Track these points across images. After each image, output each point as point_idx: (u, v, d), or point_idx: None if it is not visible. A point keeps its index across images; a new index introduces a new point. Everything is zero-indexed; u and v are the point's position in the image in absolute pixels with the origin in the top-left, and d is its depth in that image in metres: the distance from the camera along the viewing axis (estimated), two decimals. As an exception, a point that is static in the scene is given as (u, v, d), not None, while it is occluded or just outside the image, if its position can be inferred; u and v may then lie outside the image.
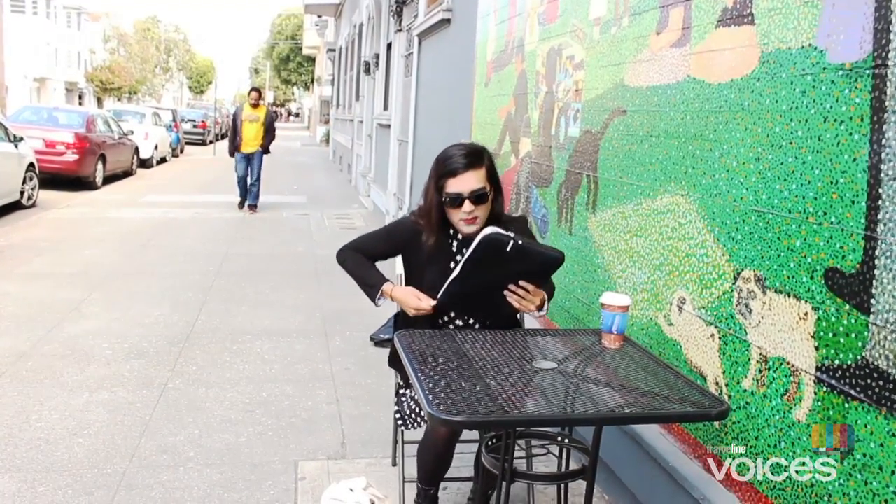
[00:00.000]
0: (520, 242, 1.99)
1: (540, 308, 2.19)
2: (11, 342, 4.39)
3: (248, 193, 10.50)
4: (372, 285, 2.34)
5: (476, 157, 2.19)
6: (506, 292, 2.13)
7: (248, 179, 10.45)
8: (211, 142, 26.66)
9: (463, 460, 2.76)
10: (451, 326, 2.33)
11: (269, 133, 10.52)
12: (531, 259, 2.07)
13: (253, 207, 10.45)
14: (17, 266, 6.42)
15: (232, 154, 10.57)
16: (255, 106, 10.49)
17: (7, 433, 3.22)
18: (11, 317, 4.91)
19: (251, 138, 10.40)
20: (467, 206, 2.17)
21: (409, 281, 2.37)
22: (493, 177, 2.23)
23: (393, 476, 2.77)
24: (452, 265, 2.25)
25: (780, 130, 1.96)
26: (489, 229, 2.01)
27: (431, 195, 2.22)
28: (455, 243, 2.31)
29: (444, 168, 2.19)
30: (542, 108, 3.85)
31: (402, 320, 2.41)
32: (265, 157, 10.69)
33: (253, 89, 10.92)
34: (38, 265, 6.53)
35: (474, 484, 2.61)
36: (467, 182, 2.16)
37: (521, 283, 2.12)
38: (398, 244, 2.38)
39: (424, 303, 2.20)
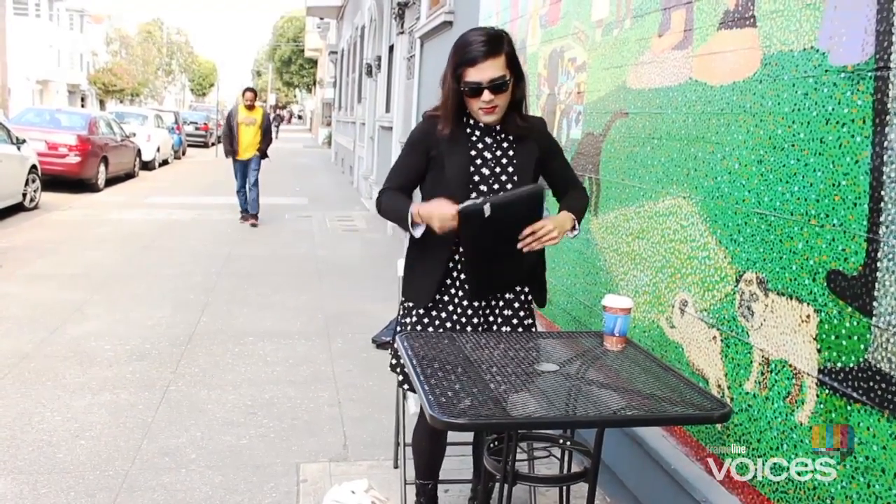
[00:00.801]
0: (493, 202, 1.96)
1: (573, 229, 2.20)
2: (14, 343, 4.40)
3: (247, 200, 9.71)
4: (403, 217, 2.20)
5: (495, 43, 2.08)
6: (523, 248, 2.08)
7: (247, 186, 9.66)
8: (213, 144, 26.70)
9: (464, 462, 2.77)
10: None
11: (266, 136, 9.65)
12: (516, 207, 2.04)
13: (254, 218, 9.62)
14: (20, 267, 6.43)
15: (228, 155, 9.71)
16: (251, 108, 9.55)
17: (9, 435, 3.23)
18: (14, 318, 4.92)
19: (248, 143, 9.52)
20: (486, 95, 2.08)
21: (433, 181, 2.24)
22: (513, 63, 2.12)
23: (395, 478, 2.77)
24: (473, 153, 2.20)
25: (782, 133, 1.96)
26: (464, 205, 1.98)
27: (449, 83, 2.13)
28: (477, 132, 2.22)
29: (462, 56, 2.09)
30: (543, 110, 3.85)
31: (416, 248, 2.29)
32: (263, 162, 9.87)
33: (248, 89, 9.82)
34: (41, 267, 6.54)
35: (474, 485, 2.61)
36: (486, 71, 2.06)
37: (525, 231, 2.07)
38: (421, 149, 2.25)
39: (447, 209, 2.04)
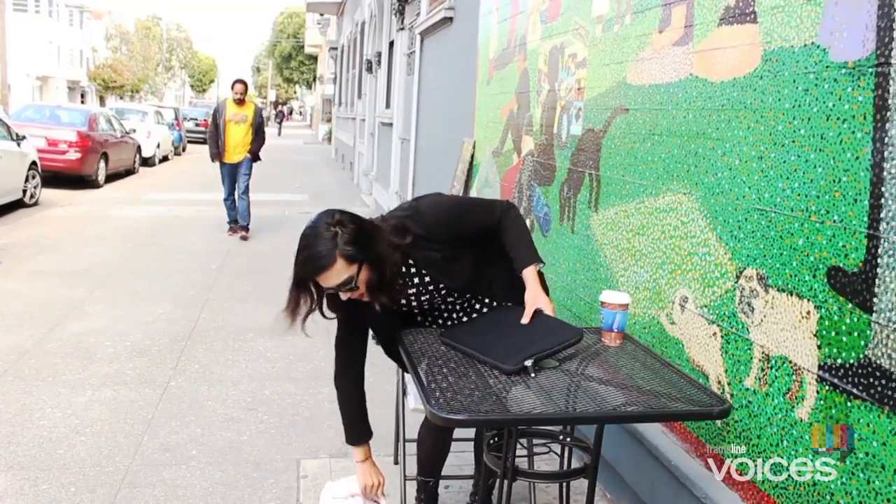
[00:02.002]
0: (537, 359, 1.85)
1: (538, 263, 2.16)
2: (14, 340, 4.40)
3: (237, 210, 8.38)
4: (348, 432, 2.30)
5: (324, 260, 1.90)
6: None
7: (237, 193, 8.30)
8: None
9: (464, 458, 2.77)
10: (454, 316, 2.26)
11: (258, 136, 8.24)
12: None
13: (244, 230, 8.34)
14: (20, 264, 6.43)
15: (215, 159, 8.26)
16: (241, 103, 8.09)
17: (10, 431, 3.23)
18: (14, 315, 4.92)
19: (238, 143, 8.10)
20: (343, 296, 1.97)
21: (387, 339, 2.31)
22: (357, 254, 1.90)
23: (394, 474, 2.77)
24: (408, 299, 2.15)
25: (782, 129, 1.95)
26: (512, 368, 1.84)
27: (311, 293, 1.99)
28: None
29: (303, 272, 1.96)
30: (544, 106, 3.85)
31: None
32: (255, 165, 8.52)
33: (237, 81, 8.29)
34: (41, 263, 6.54)
35: (475, 481, 2.61)
36: (328, 280, 1.92)
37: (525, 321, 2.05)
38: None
39: (367, 481, 2.23)
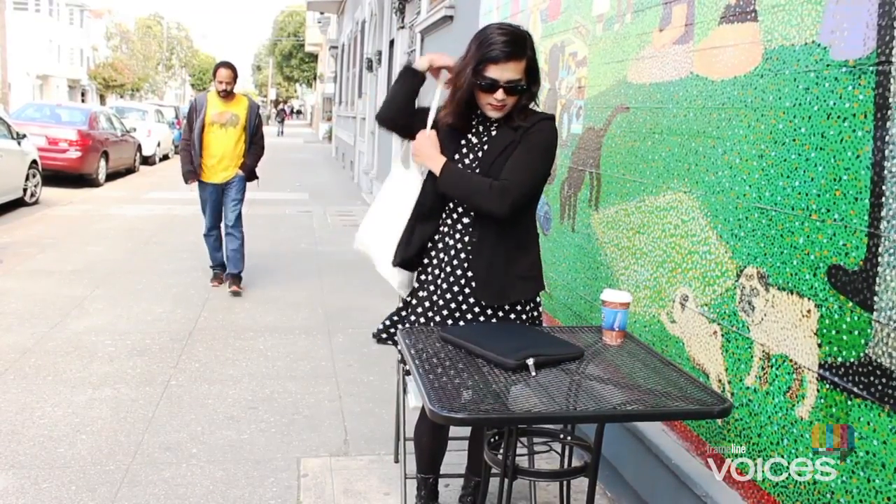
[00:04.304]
0: (537, 363, 1.85)
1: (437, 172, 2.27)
2: (15, 339, 4.40)
3: (225, 252, 5.96)
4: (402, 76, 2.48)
5: (519, 46, 2.09)
6: None
7: (223, 226, 5.90)
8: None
9: (464, 457, 2.76)
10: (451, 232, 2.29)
11: (254, 145, 5.73)
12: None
13: (236, 281, 5.80)
14: (21, 263, 6.44)
15: (190, 179, 5.67)
16: (228, 96, 5.58)
17: (10, 430, 3.23)
18: (15, 313, 4.92)
19: (225, 155, 5.61)
20: (500, 94, 2.10)
21: None
22: (532, 68, 2.14)
23: (395, 473, 2.77)
24: (463, 142, 2.25)
25: (783, 127, 1.95)
26: (515, 362, 1.86)
27: (468, 76, 2.11)
28: (480, 127, 2.25)
29: (486, 52, 2.08)
30: (544, 105, 3.85)
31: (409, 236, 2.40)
32: (250, 185, 5.86)
33: (222, 65, 5.67)
34: (42, 262, 6.55)
35: (466, 481, 2.61)
36: (506, 71, 2.08)
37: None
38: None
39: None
